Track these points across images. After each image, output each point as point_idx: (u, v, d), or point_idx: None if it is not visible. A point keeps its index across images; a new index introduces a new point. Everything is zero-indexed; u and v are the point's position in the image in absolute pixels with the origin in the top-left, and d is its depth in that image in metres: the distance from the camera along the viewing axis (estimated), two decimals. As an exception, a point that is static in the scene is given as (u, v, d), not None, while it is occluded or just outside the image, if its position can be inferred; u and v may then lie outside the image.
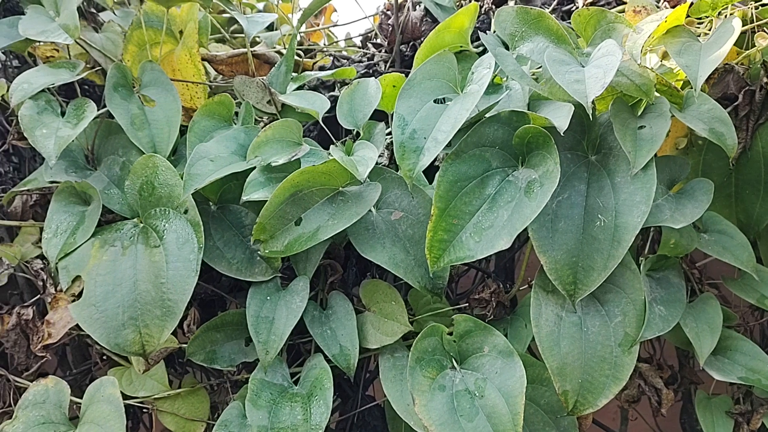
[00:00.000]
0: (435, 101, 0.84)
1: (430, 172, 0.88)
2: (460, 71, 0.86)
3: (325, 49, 1.35)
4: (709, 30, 0.92)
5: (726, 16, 0.90)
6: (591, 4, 1.08)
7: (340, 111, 0.98)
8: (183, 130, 1.00)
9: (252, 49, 1.13)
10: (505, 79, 0.90)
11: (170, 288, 0.85)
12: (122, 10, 1.16)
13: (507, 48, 0.85)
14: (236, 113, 1.02)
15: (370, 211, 0.88)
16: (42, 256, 0.98)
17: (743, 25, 0.87)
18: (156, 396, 0.96)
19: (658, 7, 0.97)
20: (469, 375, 0.82)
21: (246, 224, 0.94)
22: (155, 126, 0.99)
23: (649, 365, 0.96)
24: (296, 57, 1.18)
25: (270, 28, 1.30)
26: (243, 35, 1.29)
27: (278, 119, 0.98)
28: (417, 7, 1.21)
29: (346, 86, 1.03)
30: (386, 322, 0.91)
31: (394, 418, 0.91)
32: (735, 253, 0.88)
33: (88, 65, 1.07)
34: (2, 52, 1.10)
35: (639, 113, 0.84)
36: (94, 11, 1.16)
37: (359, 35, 1.39)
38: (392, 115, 0.84)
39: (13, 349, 0.96)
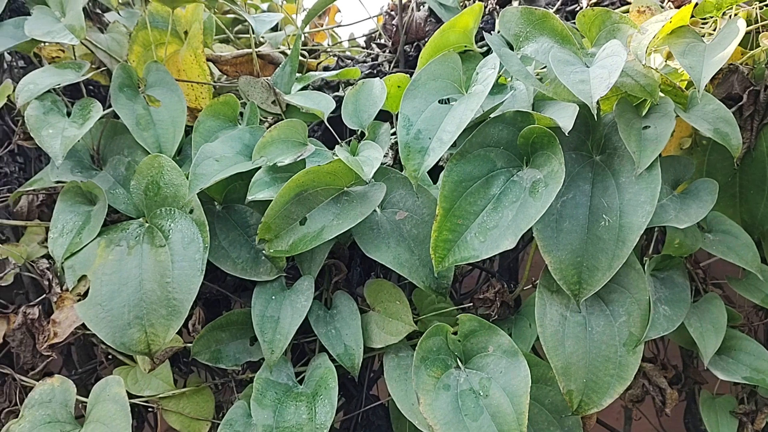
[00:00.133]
0: (440, 101, 0.84)
1: (435, 172, 0.88)
2: (464, 71, 0.87)
3: (329, 50, 1.36)
4: (714, 30, 0.92)
5: (731, 16, 0.90)
6: (595, 4, 1.08)
7: (345, 111, 0.98)
8: (188, 131, 1.01)
9: (257, 50, 1.14)
10: (509, 79, 0.90)
11: (176, 287, 0.85)
12: (127, 10, 1.16)
13: (511, 48, 0.85)
14: (241, 113, 1.02)
15: (374, 211, 0.88)
16: (48, 256, 0.98)
17: (748, 26, 0.87)
18: (161, 395, 0.96)
19: (662, 8, 0.97)
20: (473, 374, 0.83)
21: (251, 224, 0.94)
22: (160, 126, 0.99)
23: (654, 365, 0.96)
24: (300, 57, 1.18)
25: (274, 28, 1.30)
26: (247, 36, 1.30)
27: (283, 119, 0.98)
28: (421, 7, 1.22)
29: (350, 86, 1.03)
30: (391, 322, 0.92)
31: (399, 417, 0.92)
32: (739, 253, 0.88)
33: (93, 66, 1.07)
34: (8, 53, 1.10)
35: (643, 113, 0.84)
36: (100, 12, 1.16)
37: (363, 35, 1.39)
38: (397, 115, 0.84)
39: (19, 348, 0.96)
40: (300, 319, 0.88)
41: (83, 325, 0.89)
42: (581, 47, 0.86)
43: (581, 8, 1.09)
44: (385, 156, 0.96)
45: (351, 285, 1.01)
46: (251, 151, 0.92)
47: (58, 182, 0.96)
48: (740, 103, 0.92)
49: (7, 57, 1.11)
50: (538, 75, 0.89)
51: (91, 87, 1.12)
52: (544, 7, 1.05)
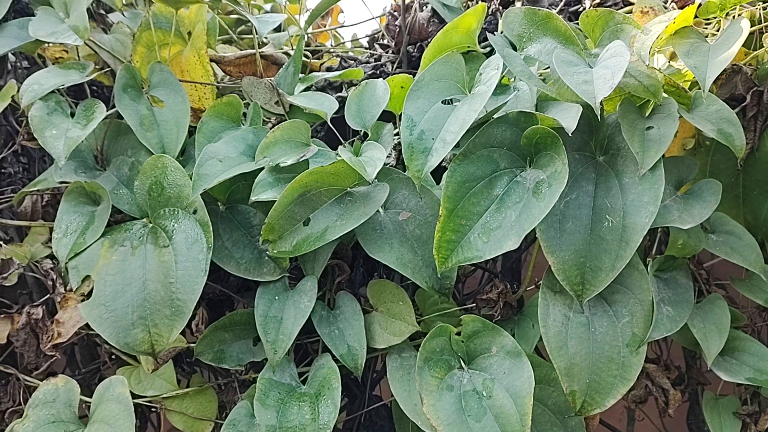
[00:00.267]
0: (443, 102, 0.84)
1: (438, 172, 0.88)
2: (467, 72, 0.87)
3: (332, 50, 1.36)
4: (717, 31, 0.92)
5: (734, 17, 0.90)
6: (598, 5, 1.08)
7: (349, 112, 0.99)
8: (191, 131, 1.01)
9: (260, 50, 1.14)
10: (513, 79, 0.90)
11: (179, 288, 0.85)
12: (131, 11, 1.16)
13: (515, 49, 0.85)
14: (244, 114, 1.03)
15: (377, 211, 0.88)
16: (52, 256, 0.98)
17: (751, 26, 0.87)
18: (164, 395, 0.96)
19: (665, 8, 0.97)
20: (477, 375, 0.83)
21: (254, 224, 0.94)
22: (164, 127, 0.99)
23: (657, 366, 0.96)
24: (303, 58, 1.18)
25: (277, 29, 1.30)
26: (250, 36, 1.30)
27: (286, 120, 0.99)
28: (424, 7, 1.22)
29: (353, 87, 1.03)
30: (394, 322, 0.92)
31: (402, 417, 0.92)
32: (743, 254, 0.88)
33: (97, 66, 1.07)
34: (12, 54, 1.10)
35: (647, 114, 0.84)
36: (103, 12, 1.17)
37: (366, 36, 1.39)
38: (400, 115, 0.84)
39: (23, 348, 0.97)
40: (303, 319, 0.88)
41: (87, 325, 0.90)
42: (584, 48, 0.86)
43: (584, 9, 1.09)
44: (388, 156, 0.96)
45: (354, 285, 1.01)
46: (254, 151, 0.92)
47: (62, 183, 0.97)
48: (744, 104, 0.92)
49: (11, 58, 1.11)
50: (541, 75, 0.89)
51: (94, 87, 1.13)
52: (547, 8, 1.05)
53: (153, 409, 1.01)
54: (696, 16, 0.90)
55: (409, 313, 0.91)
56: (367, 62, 1.25)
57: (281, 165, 0.89)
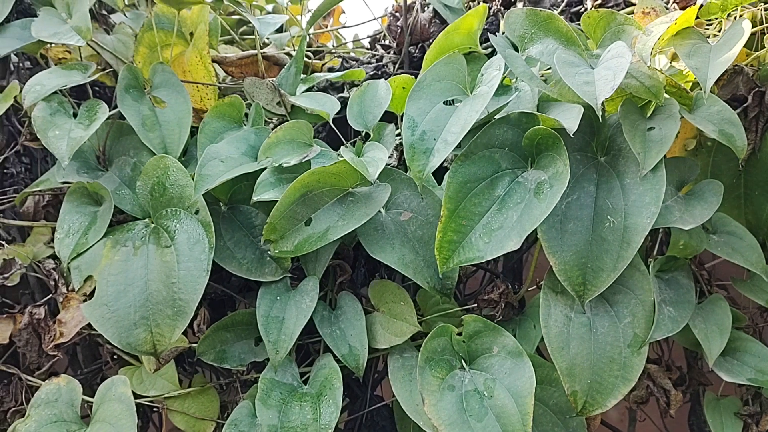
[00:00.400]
0: (445, 103, 0.84)
1: (439, 173, 0.89)
2: (469, 73, 0.87)
3: (333, 51, 1.36)
4: (719, 32, 0.92)
5: (735, 17, 0.90)
6: (599, 5, 1.08)
7: (351, 112, 0.99)
8: (193, 131, 1.01)
9: (262, 51, 1.14)
10: (514, 80, 0.90)
11: (181, 288, 0.85)
12: (133, 12, 1.16)
13: (516, 50, 0.86)
14: (246, 114, 1.03)
15: (379, 211, 0.89)
16: (54, 256, 0.99)
17: (753, 27, 0.87)
18: (166, 395, 0.96)
19: (667, 9, 0.97)
20: (478, 375, 0.83)
21: (256, 224, 0.94)
22: (166, 127, 0.99)
23: (658, 366, 0.96)
24: (305, 58, 1.19)
25: (279, 30, 1.31)
26: (252, 37, 1.30)
27: (288, 120, 0.99)
28: (425, 8, 1.22)
29: (355, 87, 1.04)
30: (395, 323, 0.92)
31: (403, 418, 0.92)
32: (744, 255, 0.88)
33: (99, 67, 1.08)
34: (14, 54, 1.11)
35: (648, 115, 0.84)
36: (105, 13, 1.17)
37: (368, 37, 1.39)
38: (402, 116, 0.84)
39: (25, 348, 0.97)
40: (305, 319, 0.88)
41: (89, 325, 0.90)
42: (586, 49, 0.86)
43: (586, 10, 1.09)
44: (389, 157, 0.96)
45: (355, 286, 1.01)
46: (256, 152, 0.92)
47: (64, 183, 0.97)
48: (745, 105, 0.92)
49: (14, 58, 1.12)
50: (542, 76, 0.89)
51: (96, 88, 1.13)
52: (549, 9, 1.05)
53: (155, 409, 1.01)
54: (697, 17, 0.90)
55: (411, 314, 0.91)
56: (369, 63, 1.25)
57: (283, 165, 0.89)
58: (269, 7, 1.43)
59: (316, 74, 1.17)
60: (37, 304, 0.97)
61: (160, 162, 0.92)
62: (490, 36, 0.85)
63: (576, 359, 0.80)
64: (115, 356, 1.03)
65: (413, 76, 0.98)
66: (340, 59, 1.29)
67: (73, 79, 0.99)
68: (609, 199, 0.81)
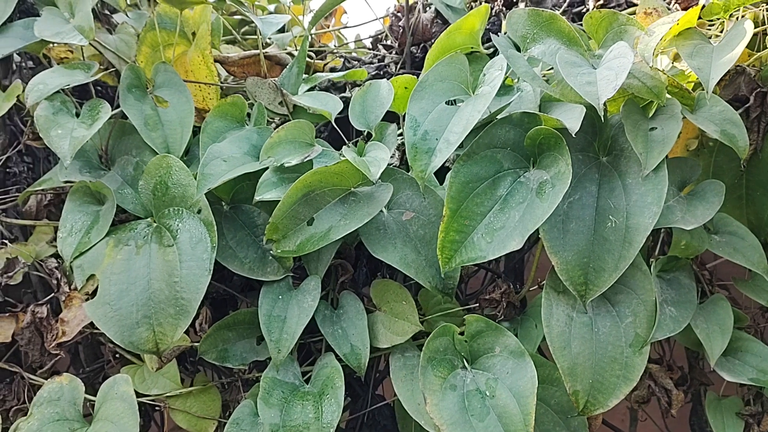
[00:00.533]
0: (447, 103, 0.84)
1: (441, 173, 0.89)
2: (471, 73, 0.87)
3: (335, 51, 1.36)
4: (721, 32, 0.92)
5: (738, 18, 0.90)
6: (602, 6, 1.08)
7: (353, 112, 0.99)
8: (196, 131, 1.01)
9: (264, 51, 1.14)
10: (516, 80, 0.90)
11: (183, 287, 0.86)
12: (135, 12, 1.17)
13: (518, 50, 0.86)
14: (248, 114, 1.03)
15: (381, 211, 0.89)
16: (56, 255, 0.99)
17: (755, 27, 0.87)
18: (168, 394, 0.97)
19: (669, 9, 0.97)
20: (480, 375, 0.83)
21: (258, 224, 0.94)
22: (168, 126, 1.00)
23: (660, 366, 0.96)
24: (307, 58, 1.19)
25: (281, 30, 1.31)
26: (254, 37, 1.30)
27: (290, 120, 0.99)
28: (427, 8, 1.22)
29: (357, 87, 1.04)
30: (397, 322, 0.92)
31: (405, 417, 0.92)
32: (746, 255, 0.88)
33: (102, 67, 1.08)
34: (17, 54, 1.11)
35: (650, 115, 0.85)
36: (108, 13, 1.17)
37: (369, 37, 1.40)
38: (404, 116, 0.84)
39: (28, 347, 0.97)
40: (307, 318, 0.89)
41: (91, 323, 0.90)
42: (588, 49, 0.86)
43: (588, 10, 1.09)
44: (391, 157, 0.96)
45: (357, 285, 1.01)
46: (259, 151, 0.93)
47: (66, 182, 0.97)
48: (747, 105, 0.92)
49: (16, 58, 1.12)
50: (545, 76, 0.90)
51: (99, 87, 1.13)
52: (551, 9, 1.05)
53: (157, 408, 1.01)
54: (699, 18, 0.90)
55: (413, 313, 0.91)
56: (371, 63, 1.25)
57: (285, 165, 0.90)
58: (271, 7, 1.43)
59: (318, 74, 1.18)
60: (40, 302, 0.97)
61: (162, 161, 0.92)
62: (492, 36, 0.85)
63: (578, 359, 0.80)
64: (118, 355, 1.03)
65: (415, 76, 0.98)
66: (342, 59, 1.29)
67: (75, 78, 0.99)
68: (611, 199, 0.81)
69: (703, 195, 0.86)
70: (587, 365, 0.80)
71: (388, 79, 1.01)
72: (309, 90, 1.10)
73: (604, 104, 0.74)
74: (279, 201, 0.87)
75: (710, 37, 0.89)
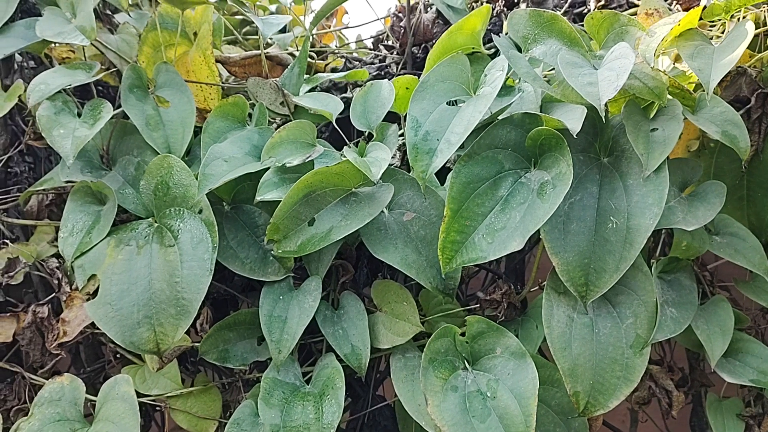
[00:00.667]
0: (448, 103, 0.84)
1: (442, 173, 0.89)
2: (472, 73, 0.87)
3: (337, 51, 1.36)
4: (722, 33, 0.92)
5: (739, 19, 0.90)
6: (603, 6, 1.08)
7: (354, 112, 0.99)
8: (197, 131, 1.01)
9: (265, 51, 1.14)
10: (517, 81, 0.90)
11: (185, 287, 0.86)
12: (137, 12, 1.17)
13: (519, 50, 0.86)
14: (249, 114, 1.03)
15: (382, 212, 0.89)
16: (57, 255, 0.99)
17: (756, 28, 0.87)
18: (169, 394, 0.97)
19: (670, 10, 0.97)
20: (481, 376, 0.83)
21: (259, 224, 0.94)
22: (170, 127, 1.00)
23: (660, 367, 0.96)
24: (308, 59, 1.19)
25: (282, 30, 1.31)
26: (255, 37, 1.30)
27: (291, 120, 0.99)
28: (429, 9, 1.22)
29: (358, 88, 1.04)
30: (398, 323, 0.92)
31: (405, 418, 0.92)
32: (747, 256, 0.88)
33: (103, 67, 1.08)
34: (18, 54, 1.11)
35: (651, 116, 0.85)
36: (110, 13, 1.17)
37: (371, 37, 1.40)
38: (405, 116, 0.84)
39: (29, 347, 0.97)
40: (307, 319, 0.89)
41: (92, 324, 0.90)
42: (589, 50, 0.86)
43: (589, 11, 1.09)
44: (392, 157, 0.96)
45: (358, 286, 1.01)
46: (260, 151, 0.93)
47: (68, 182, 0.97)
48: (748, 106, 0.92)
49: (18, 57, 1.12)
50: (546, 77, 0.89)
51: (100, 87, 1.13)
52: (552, 10, 1.05)
53: (157, 408, 1.01)
54: (701, 19, 0.90)
55: (413, 314, 0.91)
56: (372, 63, 1.25)
57: (287, 165, 0.90)
58: (272, 8, 1.43)
59: (319, 74, 1.18)
60: (41, 302, 0.97)
61: (163, 161, 0.92)
62: (494, 36, 0.85)
63: (578, 360, 0.80)
64: (118, 355, 1.03)
65: (416, 77, 0.98)
66: (344, 60, 1.30)
67: (77, 78, 0.99)
68: (612, 200, 0.81)
69: (704, 196, 0.86)
70: (588, 366, 0.80)
71: (389, 80, 1.01)
72: (310, 90, 1.10)
73: (606, 105, 0.74)
74: (280, 201, 0.87)
75: (711, 38, 0.89)
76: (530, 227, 0.77)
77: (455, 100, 0.85)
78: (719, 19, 0.92)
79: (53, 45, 1.10)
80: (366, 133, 0.99)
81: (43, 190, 1.03)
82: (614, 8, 1.08)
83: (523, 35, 0.86)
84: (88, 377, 1.06)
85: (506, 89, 0.88)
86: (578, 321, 0.82)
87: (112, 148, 1.02)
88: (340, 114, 1.01)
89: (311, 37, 1.26)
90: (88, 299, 0.89)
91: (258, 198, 0.88)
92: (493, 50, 0.99)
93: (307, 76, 1.13)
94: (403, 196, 0.91)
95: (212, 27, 1.07)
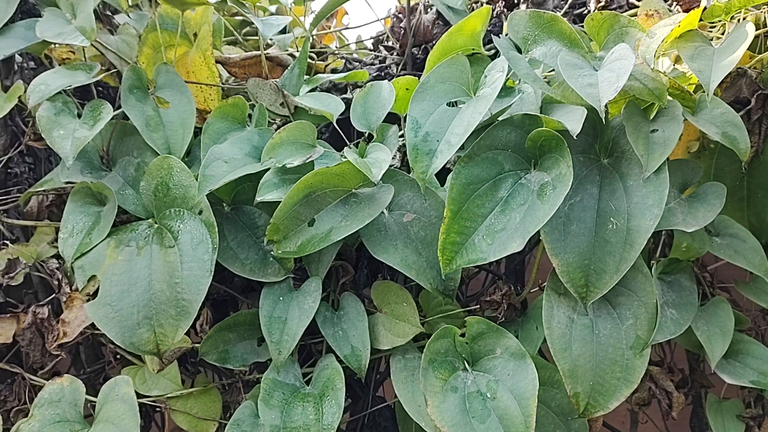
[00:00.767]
0: (448, 104, 0.84)
1: (442, 174, 0.89)
2: (472, 74, 0.87)
3: (337, 52, 1.36)
4: (722, 34, 0.92)
5: (739, 20, 0.90)
6: (603, 7, 1.08)
7: (354, 113, 0.99)
8: (197, 132, 1.01)
9: (265, 52, 1.14)
10: (517, 82, 0.90)
11: (185, 288, 0.86)
12: (137, 12, 1.17)
13: (519, 51, 0.86)
14: (249, 115, 1.03)
15: (382, 212, 0.89)
16: (57, 256, 0.99)
17: (756, 30, 0.87)
18: (169, 395, 0.97)
19: (670, 11, 0.97)
20: (481, 377, 0.83)
21: (259, 225, 0.94)
22: (170, 127, 1.00)
23: (660, 368, 0.96)
24: (308, 59, 1.19)
25: (282, 31, 1.31)
26: (255, 38, 1.30)
27: (291, 121, 0.99)
28: (429, 10, 1.22)
29: (358, 89, 1.04)
30: (398, 324, 0.92)
31: (405, 419, 0.92)
32: (747, 257, 0.88)
33: (103, 67, 1.08)
34: (18, 54, 1.11)
35: (651, 117, 0.85)
36: (110, 14, 1.17)
37: (371, 38, 1.40)
38: (405, 117, 0.84)
39: (29, 348, 0.97)
40: (307, 320, 0.89)
41: (92, 324, 0.90)
42: (589, 51, 0.86)
43: (589, 12, 1.09)
44: (393, 158, 0.96)
45: (358, 286, 1.01)
46: (260, 152, 0.93)
47: (68, 183, 0.97)
48: (748, 107, 0.92)
49: (18, 58, 1.12)
50: (546, 78, 0.90)
51: (100, 88, 1.13)
52: (552, 11, 1.05)
53: (157, 409, 1.01)
54: (701, 20, 0.90)
55: (413, 315, 0.91)
56: (372, 64, 1.25)
57: (287, 166, 0.90)
58: (272, 8, 1.43)
59: (319, 75, 1.18)
60: (41, 303, 0.97)
61: (163, 162, 0.92)
62: (494, 38, 0.85)
63: (578, 361, 0.80)
64: (118, 356, 1.03)
65: (416, 78, 0.98)
66: (344, 60, 1.30)
67: (77, 79, 0.99)
68: (612, 201, 0.81)
69: (705, 197, 0.86)
70: (588, 367, 0.80)
71: (389, 81, 1.01)
72: (310, 91, 1.10)
73: (606, 106, 0.74)
74: (280, 202, 0.87)
75: (711, 40, 0.89)
76: (530, 228, 0.77)
77: (455, 101, 0.85)
78: (719, 21, 0.92)
79: (53, 46, 1.10)
80: (366, 134, 0.99)
81: (43, 190, 1.03)
82: (614, 9, 1.07)
83: (523, 36, 0.86)
84: (88, 378, 1.06)
85: (506, 90, 0.88)
86: (578, 322, 0.82)
87: (112, 148, 1.02)
88: (340, 115, 1.01)
89: (311, 38, 1.26)
90: (88, 300, 0.89)
91: (258, 199, 0.88)
92: (493, 51, 0.99)
93: (307, 76, 1.13)
94: (403, 197, 0.91)
95: (212, 28, 1.07)
